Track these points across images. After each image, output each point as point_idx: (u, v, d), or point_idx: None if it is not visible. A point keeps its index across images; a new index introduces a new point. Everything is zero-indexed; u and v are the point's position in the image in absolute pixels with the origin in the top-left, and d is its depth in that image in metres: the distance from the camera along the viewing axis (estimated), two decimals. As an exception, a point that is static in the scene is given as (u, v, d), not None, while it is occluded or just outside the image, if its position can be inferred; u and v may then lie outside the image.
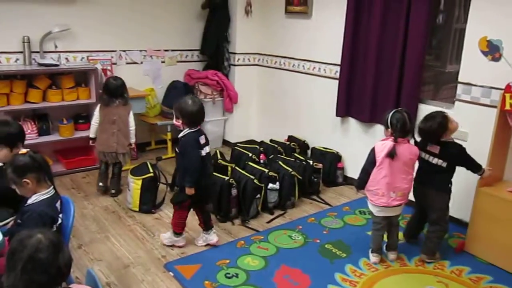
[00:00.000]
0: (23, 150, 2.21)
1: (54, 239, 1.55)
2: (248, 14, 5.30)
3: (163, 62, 5.31)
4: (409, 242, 3.35)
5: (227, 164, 4.06)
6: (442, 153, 3.00)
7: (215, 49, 5.39)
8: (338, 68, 4.40)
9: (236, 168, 3.93)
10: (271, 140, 4.86)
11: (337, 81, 4.42)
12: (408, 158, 2.92)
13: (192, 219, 3.31)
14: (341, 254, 3.20)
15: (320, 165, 4.23)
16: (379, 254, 3.13)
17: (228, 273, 2.91)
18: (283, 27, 5.08)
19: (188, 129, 2.98)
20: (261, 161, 4.30)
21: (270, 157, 4.37)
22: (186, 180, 2.96)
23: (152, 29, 5.11)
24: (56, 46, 4.49)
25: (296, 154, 4.42)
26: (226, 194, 3.59)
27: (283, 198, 3.88)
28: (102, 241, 3.28)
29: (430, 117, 3.02)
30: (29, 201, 2.15)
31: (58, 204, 2.21)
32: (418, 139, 3.15)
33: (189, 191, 2.98)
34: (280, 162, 4.08)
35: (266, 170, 3.83)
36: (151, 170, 3.75)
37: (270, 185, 3.77)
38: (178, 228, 3.19)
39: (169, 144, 5.03)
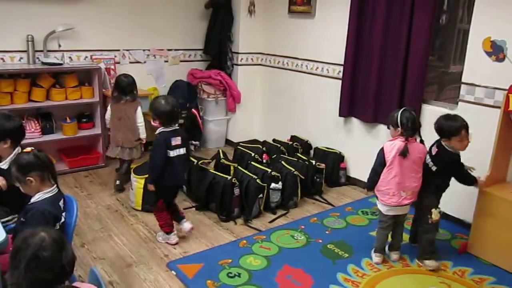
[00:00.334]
0: (28, 149, 2.22)
1: (57, 238, 1.56)
2: (252, 13, 5.31)
3: (166, 61, 5.32)
4: (413, 245, 3.31)
5: (229, 163, 4.06)
6: (436, 157, 3.01)
7: (218, 48, 5.39)
8: (341, 68, 4.39)
9: (239, 167, 3.93)
10: (273, 140, 4.87)
11: (340, 81, 4.42)
12: (417, 156, 2.94)
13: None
14: (343, 254, 3.20)
15: (322, 165, 4.23)
16: (382, 254, 3.13)
17: (230, 273, 2.91)
18: (287, 27, 5.08)
19: (162, 128, 3.04)
20: (264, 160, 4.30)
21: (273, 157, 4.37)
22: (148, 177, 3.09)
23: (156, 29, 5.12)
24: (59, 45, 4.50)
25: (298, 154, 4.42)
26: (228, 193, 3.60)
27: (286, 198, 3.88)
28: (105, 239, 3.28)
29: (451, 117, 3.00)
30: (33, 200, 2.16)
31: (61, 203, 2.22)
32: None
33: (149, 187, 3.09)
34: (282, 162, 4.08)
35: (269, 170, 3.83)
36: (153, 170, 3.74)
37: (273, 185, 3.77)
38: (167, 228, 3.23)
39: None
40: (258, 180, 3.66)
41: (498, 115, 3.11)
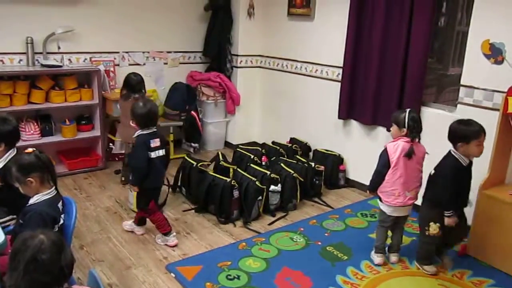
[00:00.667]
0: (29, 149, 2.22)
1: (56, 240, 1.55)
2: (251, 16, 5.31)
3: (165, 63, 5.32)
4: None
5: (229, 166, 4.07)
6: (439, 162, 2.94)
7: (217, 51, 5.40)
8: (341, 71, 4.40)
9: (238, 170, 3.94)
10: (273, 142, 4.87)
11: (339, 84, 4.42)
12: (420, 157, 2.99)
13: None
14: (342, 257, 3.20)
15: (322, 167, 4.23)
16: (383, 253, 3.14)
17: (230, 275, 2.91)
18: (286, 29, 5.09)
19: (140, 130, 3.09)
20: (263, 163, 4.30)
21: (272, 159, 4.38)
22: (131, 179, 3.13)
23: (155, 31, 5.13)
24: (59, 47, 4.50)
25: (298, 156, 4.42)
26: (227, 195, 3.59)
27: (285, 200, 3.88)
28: (104, 242, 3.28)
29: (468, 121, 2.85)
30: (31, 201, 2.16)
31: (60, 205, 2.22)
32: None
33: (134, 188, 3.13)
34: (282, 164, 4.08)
35: (268, 172, 3.83)
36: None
37: (272, 187, 3.77)
38: (163, 229, 3.25)
39: (172, 145, 5.03)
40: (257, 182, 3.67)
41: (497, 118, 3.11)
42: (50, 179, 2.21)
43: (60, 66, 4.36)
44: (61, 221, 2.19)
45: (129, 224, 3.43)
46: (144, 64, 5.14)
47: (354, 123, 4.47)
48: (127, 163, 4.10)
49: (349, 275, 2.97)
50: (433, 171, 2.95)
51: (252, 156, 4.30)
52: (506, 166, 3.31)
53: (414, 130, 2.93)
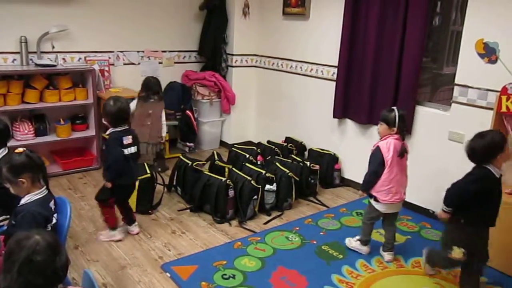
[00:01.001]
0: (20, 149, 2.20)
1: (52, 241, 1.53)
2: (246, 15, 5.31)
3: (160, 63, 5.31)
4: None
5: (224, 165, 4.07)
6: (467, 173, 2.62)
7: (212, 50, 5.39)
8: (336, 70, 4.41)
9: (233, 169, 3.93)
10: (268, 141, 4.87)
11: (334, 83, 4.43)
12: (407, 153, 3.05)
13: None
14: (338, 256, 3.20)
15: (317, 167, 4.24)
16: (369, 245, 3.23)
17: (225, 274, 2.90)
18: (281, 28, 5.09)
19: (112, 128, 3.11)
20: (258, 162, 4.31)
21: (267, 158, 4.38)
22: (104, 175, 3.14)
23: (150, 30, 5.11)
24: (53, 47, 4.48)
25: (293, 156, 4.43)
26: (223, 195, 3.59)
27: (280, 199, 3.88)
28: (99, 242, 3.27)
29: (485, 135, 2.54)
30: (22, 201, 2.14)
31: (51, 204, 2.21)
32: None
33: (107, 184, 3.14)
34: (277, 163, 4.08)
35: (263, 171, 3.84)
36: (148, 171, 3.74)
37: (267, 186, 3.77)
38: (111, 223, 3.27)
39: (167, 145, 5.03)
40: (252, 182, 3.67)
41: (490, 117, 3.13)
42: (41, 179, 2.20)
43: (54, 66, 4.34)
44: (54, 220, 2.18)
45: (104, 233, 3.34)
46: (139, 63, 5.13)
47: (349, 122, 4.48)
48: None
49: (344, 274, 2.98)
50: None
51: (247, 156, 4.30)
52: (501, 165, 3.32)
53: (405, 129, 3.03)
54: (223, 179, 3.65)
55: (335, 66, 4.41)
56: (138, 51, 5.10)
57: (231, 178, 3.72)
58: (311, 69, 4.80)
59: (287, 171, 3.94)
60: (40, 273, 1.47)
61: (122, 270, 2.94)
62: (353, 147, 4.43)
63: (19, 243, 1.50)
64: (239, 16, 5.28)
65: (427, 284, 2.91)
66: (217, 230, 3.52)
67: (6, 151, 2.60)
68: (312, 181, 4.20)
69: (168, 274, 2.89)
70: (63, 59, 4.56)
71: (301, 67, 4.92)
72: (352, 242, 3.29)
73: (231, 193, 3.61)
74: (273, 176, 3.83)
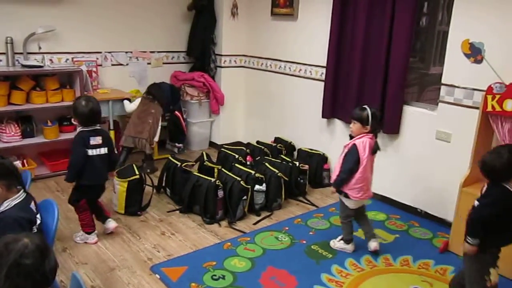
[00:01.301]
0: None
1: (40, 244, 1.51)
2: (235, 16, 5.31)
3: (149, 63, 5.29)
4: None
5: (213, 166, 4.06)
6: (483, 195, 2.40)
7: (201, 50, 5.38)
8: (324, 70, 4.43)
9: (223, 169, 3.93)
10: (257, 142, 4.88)
11: (323, 83, 4.45)
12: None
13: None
14: (327, 255, 3.22)
15: (306, 167, 4.25)
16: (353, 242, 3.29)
17: (215, 275, 2.90)
18: (269, 29, 5.10)
19: (81, 127, 3.11)
20: (248, 162, 4.31)
21: (257, 158, 4.38)
22: (66, 174, 3.13)
23: (138, 31, 5.09)
24: (40, 47, 4.44)
25: (282, 156, 4.44)
26: (212, 195, 3.59)
27: (270, 199, 3.89)
28: (87, 244, 3.24)
29: (500, 152, 2.34)
30: (1, 208, 2.10)
31: (32, 205, 2.18)
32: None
33: (67, 183, 3.17)
34: (266, 164, 4.09)
35: (253, 172, 3.84)
36: (137, 172, 3.72)
37: (257, 187, 3.78)
38: (88, 228, 3.25)
39: (156, 146, 5.00)
40: (242, 182, 3.67)
41: (476, 116, 3.16)
42: (17, 184, 2.17)
43: (41, 67, 4.29)
44: (38, 221, 2.15)
45: (79, 235, 3.30)
46: (127, 64, 5.11)
47: (337, 122, 4.50)
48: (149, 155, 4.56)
49: (333, 273, 2.99)
50: (476, 203, 2.41)
51: (236, 156, 4.30)
52: None
53: (378, 126, 3.08)
54: (213, 179, 3.65)
55: (324, 67, 4.43)
56: (126, 52, 5.07)
57: (221, 179, 3.72)
58: (300, 70, 4.82)
59: (277, 171, 3.94)
60: (28, 277, 1.46)
61: (111, 272, 2.92)
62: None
63: (7, 246, 1.48)
64: (227, 17, 5.27)
65: (415, 282, 2.93)
66: (207, 231, 3.51)
67: None
68: (302, 181, 4.22)
69: (158, 276, 2.88)
70: (50, 60, 4.52)
71: (289, 68, 4.94)
72: (336, 243, 3.32)
73: (220, 193, 3.61)
74: (262, 176, 3.83)
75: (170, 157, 4.16)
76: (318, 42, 4.50)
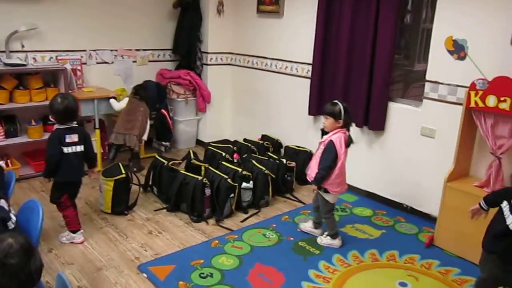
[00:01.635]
0: None
1: (25, 244, 1.50)
2: (220, 13, 5.30)
3: (134, 61, 5.25)
4: None
5: (200, 164, 4.05)
6: None
7: (187, 48, 5.36)
8: (310, 67, 4.44)
9: (210, 167, 3.93)
10: (244, 140, 4.87)
11: (309, 80, 4.47)
12: None
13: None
14: (314, 251, 3.24)
15: (293, 164, 4.27)
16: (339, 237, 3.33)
17: (203, 273, 2.90)
18: (255, 26, 5.10)
19: (58, 125, 3.11)
20: (235, 160, 4.31)
21: (244, 156, 4.38)
22: (43, 170, 3.14)
23: (123, 29, 5.05)
24: (23, 46, 4.37)
25: (269, 153, 4.44)
26: (199, 194, 3.58)
27: (257, 197, 3.90)
28: (73, 244, 3.21)
29: None
30: None
31: (2, 204, 2.17)
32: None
33: (45, 180, 3.17)
34: (253, 161, 4.09)
35: (240, 170, 3.84)
36: (123, 171, 3.70)
37: (244, 184, 3.78)
38: (72, 226, 3.24)
39: (142, 144, 4.97)
40: (229, 180, 3.66)
41: (460, 112, 3.21)
42: None
43: (24, 65, 4.23)
44: (12, 217, 2.13)
45: (65, 235, 3.27)
46: (112, 62, 5.06)
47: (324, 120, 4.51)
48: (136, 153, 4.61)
49: (321, 269, 3.01)
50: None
51: (223, 154, 4.30)
52: (470, 158, 3.42)
53: (350, 121, 3.13)
54: (200, 177, 3.64)
55: (310, 64, 4.44)
56: (111, 50, 5.02)
57: (208, 177, 3.71)
58: (286, 67, 4.83)
59: (264, 168, 3.95)
60: (13, 276, 1.45)
61: (98, 272, 2.90)
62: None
63: None
64: (213, 14, 5.26)
65: (401, 277, 2.97)
66: (194, 229, 3.51)
67: None
68: (289, 178, 4.23)
69: (145, 275, 2.87)
70: (34, 58, 4.45)
71: (276, 65, 4.94)
72: (323, 239, 3.35)
73: (207, 191, 3.60)
74: (249, 174, 3.83)
75: (157, 156, 4.14)
76: (304, 39, 4.51)
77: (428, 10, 3.92)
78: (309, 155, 4.52)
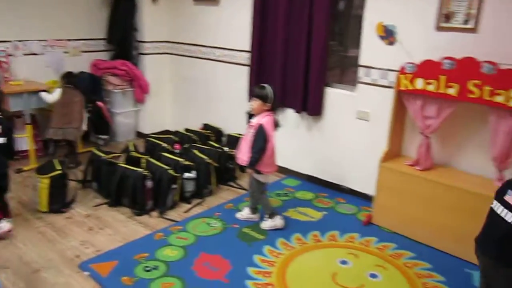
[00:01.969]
0: None
1: None
2: (155, 0, 5.16)
3: (66, 52, 5.02)
4: None
5: (140, 156, 3.97)
6: None
7: (122, 38, 5.19)
8: (249, 55, 4.45)
9: (151, 159, 3.85)
10: (186, 129, 4.82)
11: (248, 68, 4.48)
12: None
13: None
14: (259, 237, 3.29)
15: (235, 152, 4.28)
16: (279, 215, 3.44)
17: (147, 266, 2.86)
18: (192, 14, 5.02)
19: None
20: (176, 151, 4.26)
21: (185, 146, 4.34)
22: None
23: (53, 18, 4.80)
24: None
25: (211, 142, 4.43)
26: (140, 186, 3.52)
27: (200, 186, 3.88)
28: (6, 247, 3.05)
29: None
30: None
31: None
32: None
33: None
34: (195, 151, 4.06)
35: (182, 160, 3.80)
36: (58, 168, 3.55)
37: (186, 175, 3.75)
38: None
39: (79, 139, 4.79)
40: (170, 171, 3.62)
41: (392, 95, 3.35)
42: None
43: None
44: None
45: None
46: (42, 53, 4.80)
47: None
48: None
49: (266, 254, 3.06)
50: None
51: (164, 145, 4.23)
52: (402, 139, 3.60)
53: (276, 103, 3.20)
54: (140, 170, 3.57)
55: (248, 51, 4.45)
56: (40, 41, 4.76)
57: (149, 169, 3.65)
58: (225, 55, 4.81)
59: (206, 158, 3.94)
60: None
61: (36, 273, 2.78)
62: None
63: None
64: (148, 2, 5.11)
65: (342, 255, 3.08)
66: (137, 223, 3.44)
67: None
68: (231, 166, 4.24)
69: (87, 273, 2.78)
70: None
71: (214, 53, 4.91)
72: (265, 223, 3.41)
73: (149, 184, 3.54)
74: (191, 163, 3.81)
75: (95, 150, 4.01)
76: (241, 27, 4.51)
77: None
78: (251, 142, 4.57)
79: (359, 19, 3.73)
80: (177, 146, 4.32)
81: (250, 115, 3.28)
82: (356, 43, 3.80)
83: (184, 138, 4.56)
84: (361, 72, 3.76)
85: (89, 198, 3.84)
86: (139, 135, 5.53)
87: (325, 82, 4.02)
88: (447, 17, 3.19)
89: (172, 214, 3.60)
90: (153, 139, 4.42)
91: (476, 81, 2.89)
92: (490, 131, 2.98)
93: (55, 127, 4.33)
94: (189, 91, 5.32)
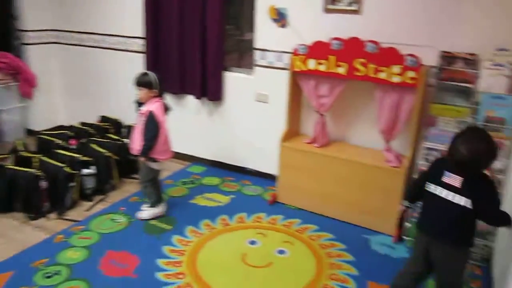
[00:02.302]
0: None
1: None
2: (35, -15, 4.75)
3: None
4: None
5: (31, 155, 3.67)
6: (465, 187, 1.97)
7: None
8: (144, 42, 4.29)
9: (43, 158, 3.58)
10: (82, 123, 4.55)
11: (144, 55, 4.32)
12: None
13: None
14: (166, 227, 3.24)
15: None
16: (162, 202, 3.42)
17: (48, 272, 2.68)
18: None
19: None
20: (72, 146, 4.00)
21: (82, 141, 4.10)
22: None
23: None
24: None
25: (110, 135, 4.24)
26: (34, 188, 3.27)
27: (102, 181, 3.71)
28: None
29: (475, 136, 1.93)
30: None
31: None
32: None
33: None
34: (93, 145, 3.86)
35: (78, 156, 3.59)
36: None
37: (85, 171, 3.56)
38: None
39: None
40: (66, 168, 3.40)
41: (287, 76, 3.45)
42: None
43: None
44: None
45: None
46: None
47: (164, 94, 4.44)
48: None
49: (175, 244, 3.03)
50: (469, 203, 1.95)
51: (58, 141, 3.96)
52: (299, 118, 3.74)
53: (162, 88, 3.18)
54: (32, 170, 3.31)
55: (143, 38, 4.29)
56: None
57: (42, 168, 3.39)
58: (118, 42, 4.59)
59: (105, 151, 3.76)
60: None
61: None
62: (171, 117, 4.42)
63: None
64: (26, -13, 4.69)
65: (251, 236, 3.15)
66: (33, 227, 3.20)
67: None
68: (133, 158, 4.09)
69: (-23, 288, 2.54)
70: None
71: (107, 41, 4.66)
72: (144, 213, 3.35)
73: (43, 184, 3.30)
74: (90, 159, 3.62)
75: (-24, 153, 3.63)
76: (133, 12, 4.31)
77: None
78: (152, 132, 4.45)
79: (252, 2, 3.77)
80: (72, 141, 4.07)
81: (139, 104, 3.20)
82: (251, 27, 3.84)
83: (80, 133, 4.30)
84: (257, 55, 3.82)
85: (-26, 206, 3.48)
86: (30, 132, 5.10)
87: (223, 66, 4.02)
88: (333, -1, 3.35)
89: (73, 214, 3.40)
90: (45, 136, 4.11)
91: (362, 60, 3.08)
92: (377, 106, 3.21)
93: None
94: (83, 82, 5.02)
